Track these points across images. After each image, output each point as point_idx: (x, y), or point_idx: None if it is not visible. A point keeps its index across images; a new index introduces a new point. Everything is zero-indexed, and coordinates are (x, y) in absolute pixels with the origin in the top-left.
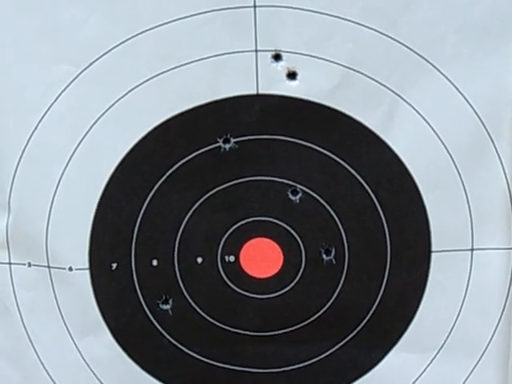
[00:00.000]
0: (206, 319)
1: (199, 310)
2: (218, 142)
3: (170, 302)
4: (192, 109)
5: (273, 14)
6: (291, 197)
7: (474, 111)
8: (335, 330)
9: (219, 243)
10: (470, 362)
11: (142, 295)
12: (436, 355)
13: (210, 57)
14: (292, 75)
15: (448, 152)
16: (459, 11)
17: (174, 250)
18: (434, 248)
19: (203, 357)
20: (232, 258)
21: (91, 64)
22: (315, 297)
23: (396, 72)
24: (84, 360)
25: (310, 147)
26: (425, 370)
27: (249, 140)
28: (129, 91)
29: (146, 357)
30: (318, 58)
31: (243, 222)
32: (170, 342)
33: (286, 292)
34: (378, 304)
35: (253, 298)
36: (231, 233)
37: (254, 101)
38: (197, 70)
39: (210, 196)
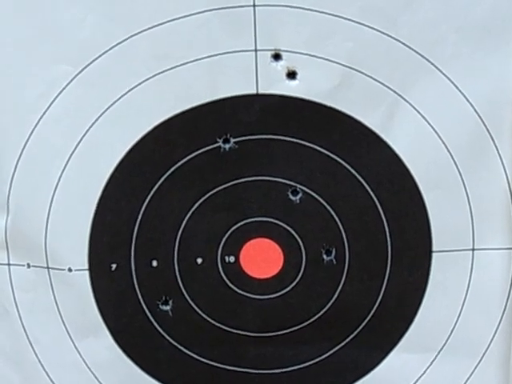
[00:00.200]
0: (206, 320)
1: (199, 311)
2: (217, 142)
3: (170, 302)
4: (191, 109)
5: (272, 14)
6: (291, 197)
7: (475, 110)
8: (336, 331)
9: (219, 244)
10: (472, 362)
11: (142, 296)
12: (437, 355)
13: (210, 56)
14: (292, 75)
15: (449, 152)
16: (460, 11)
17: (173, 251)
18: (434, 248)
19: (203, 358)
20: (232, 259)
21: (89, 64)
22: (316, 297)
23: (396, 71)
24: (84, 361)
25: (310, 147)
26: (426, 370)
27: (249, 140)
28: (128, 91)
29: (145, 358)
30: (318, 57)
31: (243, 222)
32: (170, 342)
33: (286, 292)
34: (379, 304)
35: (253, 298)
36: (231, 233)
37: (253, 100)
38: (196, 70)
39: (209, 196)
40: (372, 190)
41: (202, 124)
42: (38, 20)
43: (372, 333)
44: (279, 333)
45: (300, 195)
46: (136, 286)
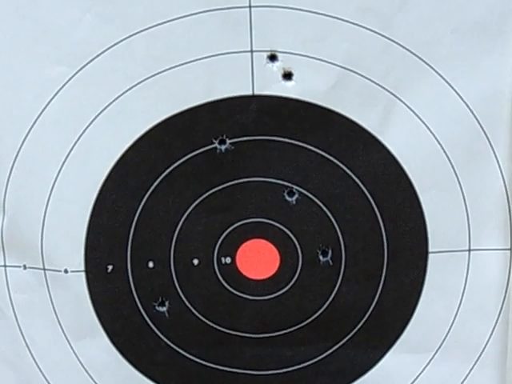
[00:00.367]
0: (203, 321)
1: (196, 312)
2: (213, 143)
3: (167, 304)
4: (187, 110)
5: (268, 15)
6: (287, 198)
7: (471, 111)
8: (332, 332)
9: (215, 245)
10: (468, 362)
11: (138, 297)
12: (434, 356)
13: (206, 57)
14: (288, 76)
15: (444, 152)
16: (455, 11)
17: (170, 252)
18: (431, 249)
19: (200, 359)
20: (228, 260)
21: (86, 65)
22: (312, 298)
23: (392, 72)
24: (80, 362)
25: (306, 148)
26: (423, 370)
27: (245, 141)
28: (124, 92)
29: (142, 359)
30: (314, 58)
31: (239, 223)
32: (167, 343)
33: (282, 293)
34: (376, 305)
35: (249, 299)
36: (227, 234)
37: (249, 101)
38: (192, 71)
39: (206, 197)
40: (368, 190)
41: (198, 125)
42: (34, 21)
43: (369, 333)
44: (276, 334)
45: (296, 196)
46: (132, 288)
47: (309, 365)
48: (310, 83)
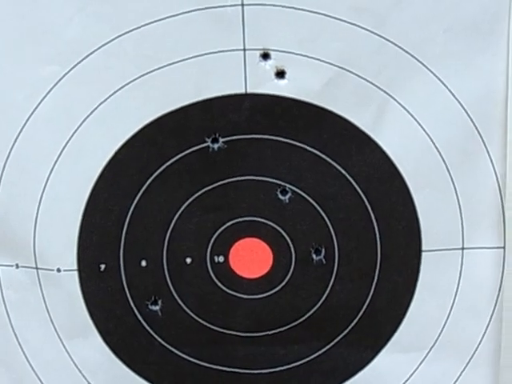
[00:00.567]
0: (196, 320)
1: (188, 311)
2: (206, 141)
3: (159, 302)
4: (180, 108)
5: (261, 13)
6: (280, 196)
7: (464, 110)
8: (325, 331)
9: (208, 243)
10: (461, 361)
11: (131, 296)
12: (427, 355)
13: (198, 56)
14: (280, 74)
15: (438, 151)
16: (449, 10)
17: (162, 251)
18: (424, 247)
19: (193, 358)
20: (221, 259)
21: (77, 64)
22: (305, 297)
23: (386, 71)
24: (73, 362)
25: (299, 146)
26: (415, 370)
27: (237, 139)
28: (116, 91)
29: (135, 358)
30: (307, 56)
31: (232, 222)
32: (160, 343)
33: (275, 292)
34: (369, 304)
35: (242, 298)
36: (220, 233)
37: (242, 100)
38: (184, 70)
39: (198, 196)
40: (361, 189)
41: (191, 124)
42: (25, 20)
43: (362, 332)
44: (269, 333)
45: (289, 195)
46: (125, 286)
47: (302, 364)
48: (303, 82)
